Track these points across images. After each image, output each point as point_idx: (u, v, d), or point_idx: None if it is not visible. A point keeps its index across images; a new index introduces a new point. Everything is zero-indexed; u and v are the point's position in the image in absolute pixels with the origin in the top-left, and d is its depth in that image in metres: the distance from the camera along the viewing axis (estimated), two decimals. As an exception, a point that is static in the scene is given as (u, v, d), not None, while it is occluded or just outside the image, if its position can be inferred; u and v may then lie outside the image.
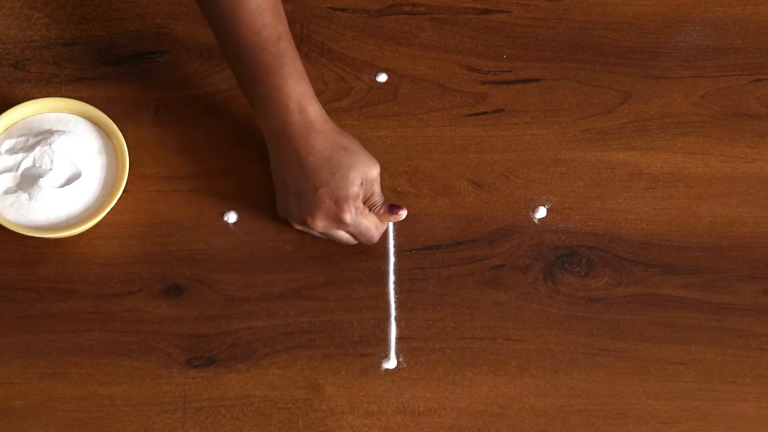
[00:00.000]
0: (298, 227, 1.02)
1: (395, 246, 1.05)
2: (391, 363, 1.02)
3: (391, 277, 1.04)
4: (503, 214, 1.07)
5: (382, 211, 1.01)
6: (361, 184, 0.99)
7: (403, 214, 1.01)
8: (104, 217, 1.02)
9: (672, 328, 1.03)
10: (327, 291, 1.04)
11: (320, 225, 0.99)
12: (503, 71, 1.12)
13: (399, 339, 1.02)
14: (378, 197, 1.01)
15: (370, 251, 1.05)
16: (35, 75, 1.09)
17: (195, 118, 1.09)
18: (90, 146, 1.03)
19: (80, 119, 1.04)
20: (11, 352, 1.01)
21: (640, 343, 1.03)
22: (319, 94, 1.02)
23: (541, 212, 1.07)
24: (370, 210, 1.01)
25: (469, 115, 1.10)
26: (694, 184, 1.08)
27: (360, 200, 0.99)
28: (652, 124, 1.10)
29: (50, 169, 1.01)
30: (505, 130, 1.09)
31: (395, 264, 1.05)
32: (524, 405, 1.01)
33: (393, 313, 1.03)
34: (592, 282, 1.05)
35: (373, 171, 1.00)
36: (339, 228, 1.00)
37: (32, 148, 1.01)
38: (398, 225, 1.06)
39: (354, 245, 1.04)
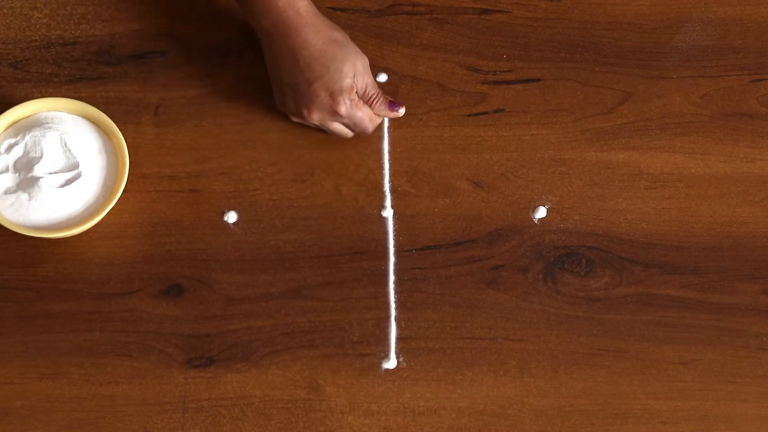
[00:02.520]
0: (295, 119, 1.05)
1: (395, 246, 1.05)
2: (391, 363, 1.02)
3: (391, 277, 1.04)
4: (503, 214, 1.07)
5: (378, 103, 1.04)
6: (354, 76, 1.02)
7: (402, 111, 1.05)
8: (104, 217, 1.02)
9: (672, 328, 1.03)
10: (327, 291, 1.04)
11: (316, 117, 1.03)
12: (503, 71, 1.12)
13: (399, 339, 1.02)
14: (372, 88, 1.04)
15: (370, 251, 1.05)
16: (35, 75, 1.09)
17: (195, 118, 1.09)
18: (90, 146, 1.03)
19: (80, 119, 1.04)
20: (11, 352, 1.01)
21: (640, 343, 1.03)
22: (319, 94, 1.02)
23: (541, 212, 1.07)
24: (367, 102, 1.04)
25: (469, 115, 1.10)
26: (694, 184, 1.08)
27: (354, 92, 1.02)
28: (652, 124, 1.10)
29: (41, 157, 1.01)
30: (505, 130, 1.09)
31: (395, 264, 1.05)
32: (524, 405, 1.01)
33: (393, 313, 1.03)
34: (592, 282, 1.05)
35: (364, 61, 1.03)
36: (334, 120, 1.03)
37: (24, 138, 1.02)
38: (398, 225, 1.06)
39: (350, 136, 1.06)
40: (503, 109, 1.10)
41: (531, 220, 1.06)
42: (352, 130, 1.05)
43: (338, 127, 1.04)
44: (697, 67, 1.12)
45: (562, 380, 1.02)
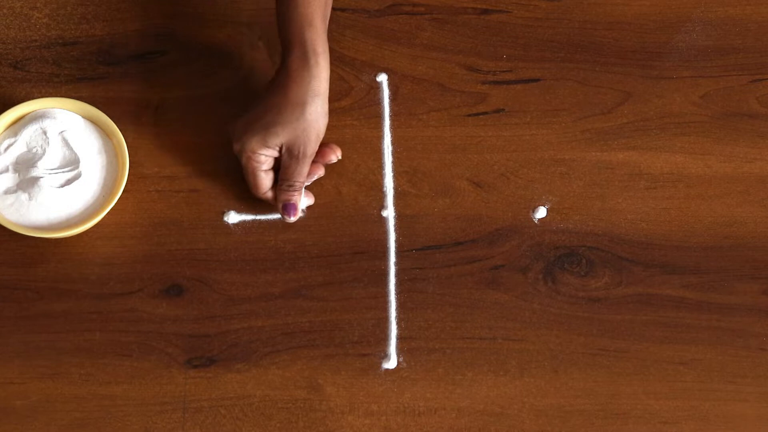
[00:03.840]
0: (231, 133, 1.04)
1: (395, 246, 1.05)
2: (391, 363, 1.02)
3: (392, 277, 1.04)
4: (503, 214, 1.07)
5: (279, 192, 1.03)
6: (281, 149, 1.01)
7: (290, 219, 1.04)
8: (104, 217, 1.02)
9: (672, 328, 1.03)
10: (327, 291, 1.04)
11: (235, 147, 1.02)
12: (503, 71, 1.12)
13: (399, 339, 1.02)
14: (291, 176, 1.02)
15: (370, 251, 1.05)
16: (35, 75, 1.09)
17: (195, 118, 1.09)
18: (90, 146, 1.03)
19: (80, 118, 1.04)
20: (11, 352, 1.01)
21: (640, 343, 1.03)
22: (319, 94, 1.02)
23: (541, 212, 1.07)
24: (279, 183, 1.02)
25: (469, 115, 1.10)
26: (694, 184, 1.08)
27: (260, 150, 1.00)
28: (652, 124, 1.10)
29: (42, 154, 1.01)
30: (505, 130, 1.10)
31: (395, 264, 1.05)
32: (524, 405, 1.01)
33: (393, 313, 1.03)
34: (592, 282, 1.05)
35: (300, 147, 1.01)
36: (235, 151, 1.03)
37: (24, 136, 1.02)
38: (398, 225, 1.06)
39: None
40: (503, 109, 1.10)
41: (531, 220, 1.07)
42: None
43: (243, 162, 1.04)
44: (697, 67, 1.12)
45: (562, 380, 1.02)
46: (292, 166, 1.02)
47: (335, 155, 1.05)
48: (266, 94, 1.02)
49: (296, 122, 1.00)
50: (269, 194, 1.04)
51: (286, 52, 1.01)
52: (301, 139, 1.01)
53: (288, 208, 1.03)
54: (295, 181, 1.03)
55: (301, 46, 1.00)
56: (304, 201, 1.05)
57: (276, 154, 1.02)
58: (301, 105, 1.00)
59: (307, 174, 1.03)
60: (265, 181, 1.03)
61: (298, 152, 1.01)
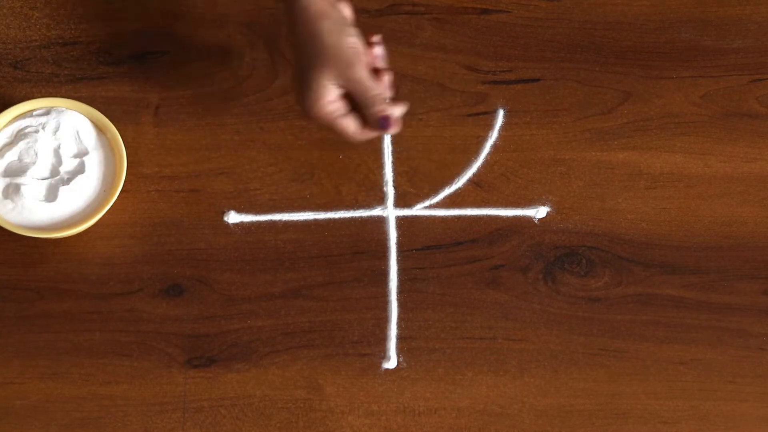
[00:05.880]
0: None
1: (395, 246, 1.05)
2: (391, 363, 1.02)
3: (391, 277, 1.04)
4: (503, 214, 1.07)
5: (368, 112, 0.97)
6: (334, 82, 0.96)
7: (390, 130, 0.98)
8: (104, 216, 1.02)
9: (672, 328, 1.03)
10: (327, 291, 1.04)
11: (308, 115, 0.97)
12: (503, 71, 1.12)
13: (399, 339, 1.02)
14: (366, 90, 0.97)
15: (370, 251, 1.05)
16: (35, 75, 1.09)
17: (195, 118, 1.09)
18: (88, 143, 1.03)
19: (80, 116, 1.04)
20: (11, 352, 1.01)
21: (640, 343, 1.03)
22: (319, 94, 1.02)
23: (541, 212, 1.07)
24: (362, 106, 0.97)
25: (469, 115, 1.10)
26: (694, 184, 1.08)
27: (324, 102, 0.95)
28: (652, 124, 1.10)
29: (34, 163, 1.01)
30: (505, 130, 1.10)
31: (395, 264, 1.05)
32: (524, 405, 1.01)
33: (393, 313, 1.03)
34: (592, 282, 1.05)
35: (344, 65, 0.96)
36: (309, 116, 0.97)
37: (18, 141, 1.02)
38: (398, 225, 1.06)
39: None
40: (503, 109, 1.10)
41: (531, 220, 1.07)
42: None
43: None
44: (697, 67, 1.12)
45: (562, 380, 1.02)
46: (357, 88, 0.96)
47: (378, 48, 1.00)
48: (291, 54, 0.99)
49: (323, 54, 0.96)
50: (365, 132, 0.98)
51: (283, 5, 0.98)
52: (341, 61, 0.96)
53: (382, 121, 0.97)
54: (369, 97, 0.97)
55: None
56: (397, 110, 0.99)
57: (339, 91, 0.96)
58: (316, 36, 0.95)
59: (377, 84, 0.97)
60: (352, 123, 0.98)
61: (349, 73, 0.96)
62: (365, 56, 0.97)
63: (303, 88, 0.96)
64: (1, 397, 1.00)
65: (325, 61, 0.95)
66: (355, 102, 0.98)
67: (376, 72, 0.98)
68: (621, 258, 1.05)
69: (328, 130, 0.99)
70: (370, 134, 0.99)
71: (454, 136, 1.09)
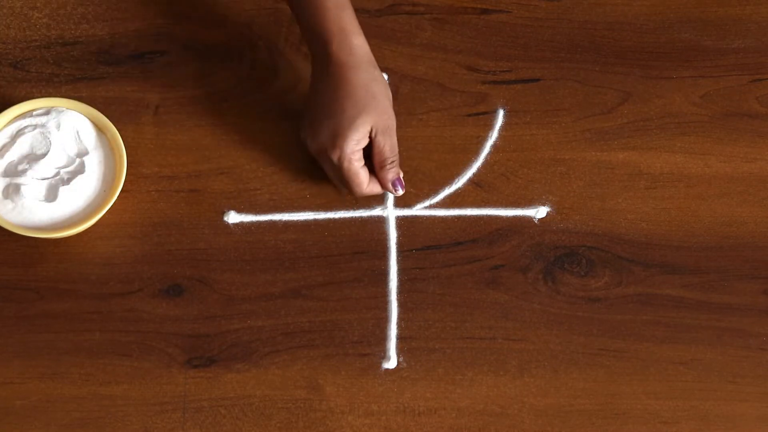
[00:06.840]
0: (308, 144, 1.04)
1: (395, 246, 1.05)
2: (391, 363, 1.02)
3: (391, 277, 1.04)
4: (503, 214, 1.07)
5: (386, 170, 1.02)
6: (373, 132, 1.00)
7: (400, 191, 1.04)
8: (104, 216, 1.02)
9: (672, 328, 1.03)
10: (327, 291, 1.04)
11: (312, 148, 1.02)
12: (503, 71, 1.12)
13: (399, 339, 1.02)
14: (390, 152, 1.02)
15: (370, 251, 1.05)
16: (35, 75, 1.10)
17: (195, 118, 1.09)
18: (88, 142, 1.03)
19: (80, 116, 1.04)
20: (11, 352, 1.01)
21: (640, 343, 1.03)
22: (319, 94, 1.02)
23: (541, 212, 1.07)
24: (378, 163, 1.02)
25: (469, 115, 1.10)
26: (694, 184, 1.08)
27: (356, 146, 1.00)
28: (652, 124, 1.10)
29: (44, 154, 1.01)
30: (505, 130, 1.10)
31: (395, 264, 1.05)
32: (524, 405, 1.01)
33: (393, 313, 1.03)
34: (592, 282, 1.05)
35: (390, 122, 1.01)
36: (325, 161, 1.02)
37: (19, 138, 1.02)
38: (398, 225, 1.06)
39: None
40: (503, 109, 1.10)
41: (531, 220, 1.07)
42: (339, 183, 1.04)
43: (329, 170, 1.03)
44: (697, 67, 1.12)
45: (562, 380, 1.02)
46: (387, 143, 1.02)
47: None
48: (326, 92, 1.01)
49: (373, 101, 1.00)
50: (372, 187, 1.03)
51: (324, 43, 1.00)
52: (385, 112, 1.01)
53: (397, 183, 1.03)
54: (395, 156, 1.03)
55: (341, 32, 0.99)
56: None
57: (366, 142, 1.01)
58: (368, 83, 1.00)
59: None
60: (366, 175, 1.02)
61: (386, 126, 1.01)
62: None
63: (341, 127, 0.99)
64: (1, 397, 1.00)
65: (375, 110, 1.00)
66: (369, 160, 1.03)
67: None
68: (621, 258, 1.05)
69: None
70: (373, 191, 1.03)
71: (454, 136, 1.09)
